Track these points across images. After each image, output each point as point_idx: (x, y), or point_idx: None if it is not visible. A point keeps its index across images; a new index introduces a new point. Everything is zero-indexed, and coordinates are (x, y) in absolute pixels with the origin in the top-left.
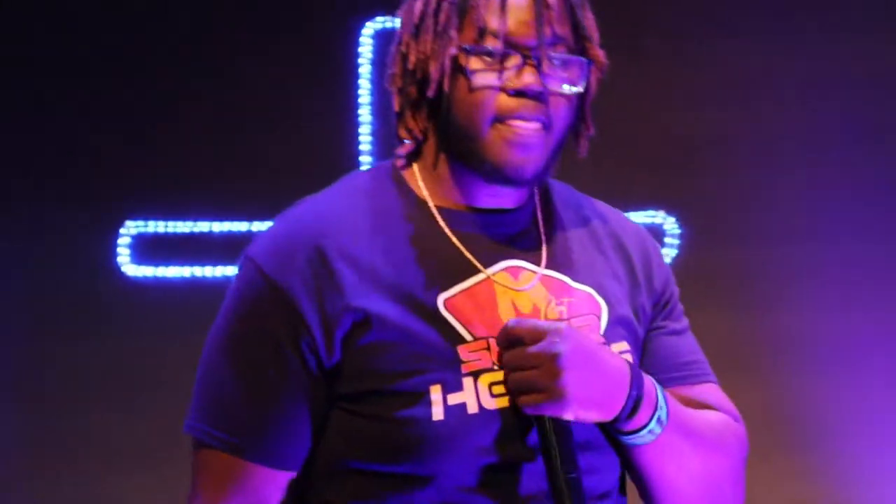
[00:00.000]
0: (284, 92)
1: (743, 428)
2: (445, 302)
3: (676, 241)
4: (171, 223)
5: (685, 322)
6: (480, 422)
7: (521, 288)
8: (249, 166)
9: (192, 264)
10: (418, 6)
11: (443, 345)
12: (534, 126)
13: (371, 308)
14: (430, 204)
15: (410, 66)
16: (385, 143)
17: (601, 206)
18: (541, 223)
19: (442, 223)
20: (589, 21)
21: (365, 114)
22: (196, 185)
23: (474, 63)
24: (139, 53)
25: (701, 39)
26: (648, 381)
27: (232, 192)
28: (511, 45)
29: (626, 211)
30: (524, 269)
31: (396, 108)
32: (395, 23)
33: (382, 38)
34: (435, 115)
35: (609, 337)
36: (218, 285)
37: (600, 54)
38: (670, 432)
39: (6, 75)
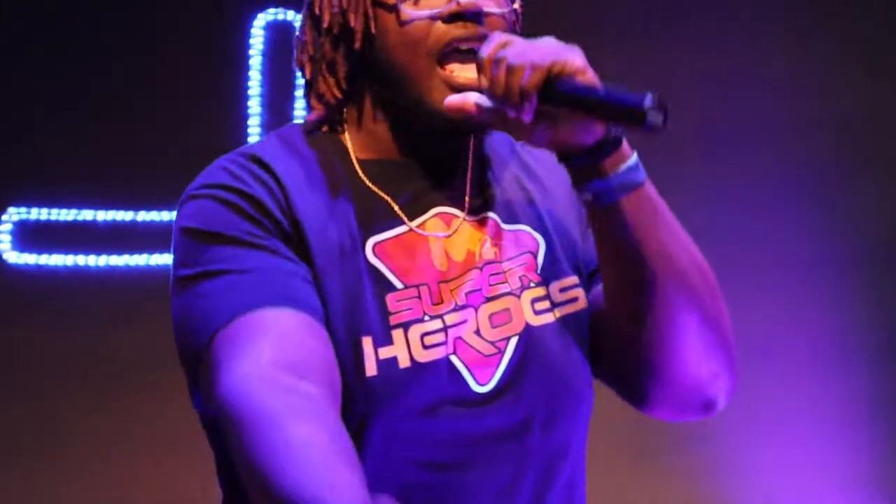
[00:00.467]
0: (174, 82)
1: None
2: (374, 247)
3: None
4: (54, 210)
5: None
6: (412, 375)
7: (450, 236)
8: (136, 156)
9: (75, 253)
10: None
11: (369, 293)
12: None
13: (310, 246)
14: (353, 158)
15: (325, 25)
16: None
17: (535, 150)
18: (469, 169)
19: (365, 176)
20: None
21: (254, 105)
22: (81, 174)
23: None
24: (26, 40)
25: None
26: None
27: (118, 181)
28: None
29: None
30: (456, 216)
31: (307, 76)
32: (287, 15)
33: (274, 29)
34: (361, 70)
35: (546, 273)
36: (101, 274)
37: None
38: (657, 196)
39: None
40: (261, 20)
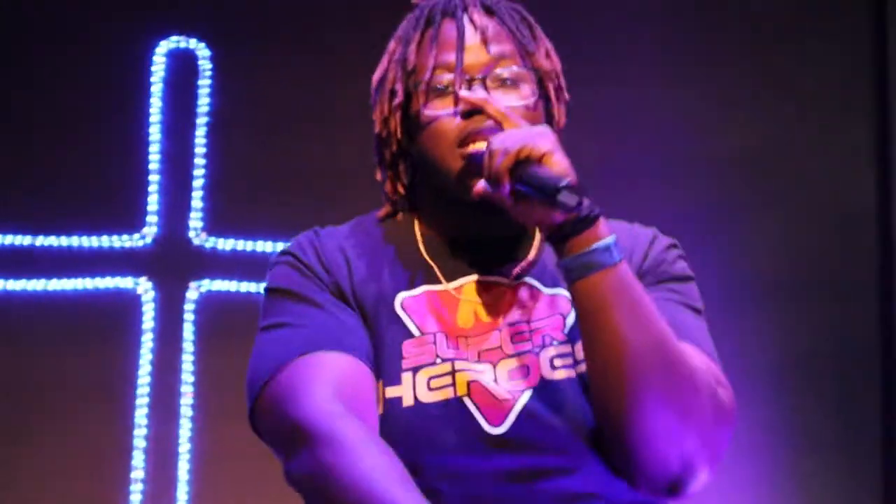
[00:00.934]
0: (75, 108)
1: (725, 390)
2: (403, 301)
3: None
4: None
5: (666, 294)
6: (414, 414)
7: (484, 300)
8: (37, 181)
9: None
10: (375, 77)
11: (391, 340)
12: None
13: (355, 299)
14: (417, 233)
15: (377, 131)
16: (174, 162)
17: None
18: (534, 246)
19: (421, 245)
20: (530, 36)
21: (155, 132)
22: None
23: (424, 100)
24: None
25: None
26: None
27: (16, 206)
28: (448, 73)
29: None
30: (497, 283)
31: (379, 177)
32: (189, 43)
33: (175, 57)
34: (413, 165)
35: (574, 333)
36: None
37: (544, 64)
38: (630, 277)
39: None
40: (163, 48)
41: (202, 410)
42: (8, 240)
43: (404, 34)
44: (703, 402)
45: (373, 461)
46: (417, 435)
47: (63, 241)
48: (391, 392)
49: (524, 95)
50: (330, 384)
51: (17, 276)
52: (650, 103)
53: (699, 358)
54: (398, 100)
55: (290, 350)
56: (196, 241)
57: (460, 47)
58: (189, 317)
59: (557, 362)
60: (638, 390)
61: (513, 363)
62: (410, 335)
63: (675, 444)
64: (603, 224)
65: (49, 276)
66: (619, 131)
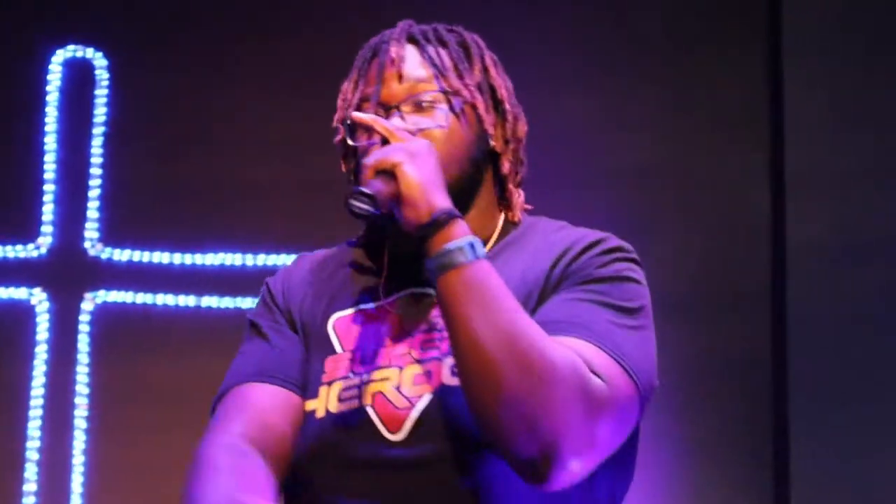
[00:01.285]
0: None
1: (595, 382)
2: (334, 321)
3: None
4: None
5: (581, 294)
6: (323, 424)
7: (410, 311)
8: None
9: None
10: None
11: (316, 358)
12: None
13: (297, 322)
14: (360, 256)
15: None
16: (70, 171)
17: (555, 234)
18: None
19: (372, 265)
20: (442, 54)
21: (51, 142)
22: None
23: (349, 133)
24: None
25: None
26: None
27: None
28: (376, 105)
29: None
30: (427, 294)
31: None
32: (87, 52)
33: (72, 66)
34: None
35: None
36: None
37: (459, 84)
38: (485, 275)
39: None
40: (59, 56)
41: (97, 423)
42: None
43: (350, 74)
44: (559, 392)
45: (205, 485)
46: (326, 442)
47: None
48: (309, 405)
49: (438, 117)
50: (239, 417)
51: None
52: (549, 112)
53: (569, 350)
54: (339, 136)
55: (227, 382)
56: (92, 252)
57: (379, 80)
58: (84, 328)
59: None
60: (488, 381)
61: (417, 369)
62: (333, 352)
63: (528, 433)
64: (458, 226)
65: None
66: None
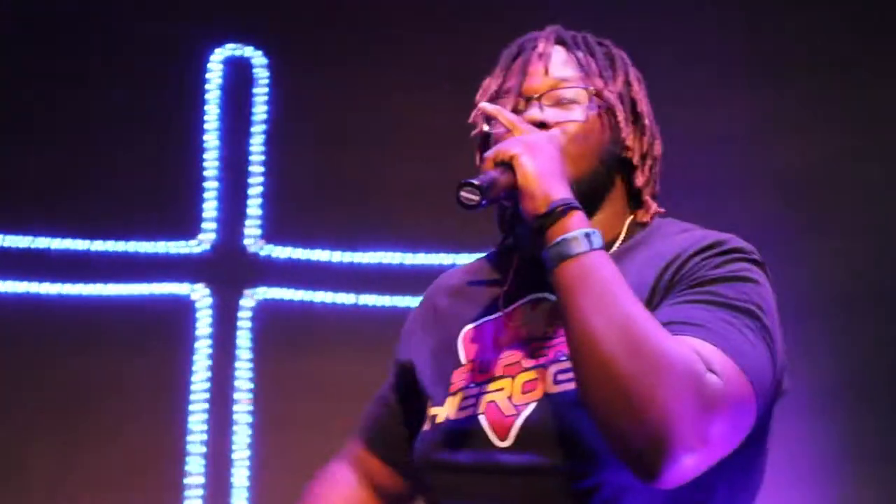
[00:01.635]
0: (132, 114)
1: (710, 378)
2: (464, 334)
3: None
4: (9, 237)
5: (696, 296)
6: (443, 430)
7: (528, 318)
8: (95, 186)
9: (28, 280)
10: None
11: (446, 369)
12: None
13: (418, 345)
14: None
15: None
16: (231, 169)
17: (677, 236)
18: None
19: (498, 274)
20: (589, 59)
21: (212, 139)
22: (37, 202)
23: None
24: None
25: None
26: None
27: (74, 210)
28: (514, 95)
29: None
30: (546, 300)
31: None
32: (245, 51)
33: (232, 64)
34: None
35: None
36: (54, 303)
37: (605, 88)
38: (600, 265)
39: None
40: (218, 55)
41: (258, 417)
42: (65, 244)
43: (494, 70)
44: (672, 383)
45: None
46: (441, 447)
47: (120, 246)
48: (434, 411)
49: (576, 113)
50: (353, 468)
51: (74, 281)
52: (715, 117)
53: (685, 346)
54: (478, 129)
55: (359, 426)
56: (252, 249)
57: (523, 73)
58: (244, 324)
59: (561, 377)
60: (600, 370)
61: (527, 377)
62: (460, 364)
63: (638, 423)
64: (575, 217)
65: (105, 281)
66: (688, 143)
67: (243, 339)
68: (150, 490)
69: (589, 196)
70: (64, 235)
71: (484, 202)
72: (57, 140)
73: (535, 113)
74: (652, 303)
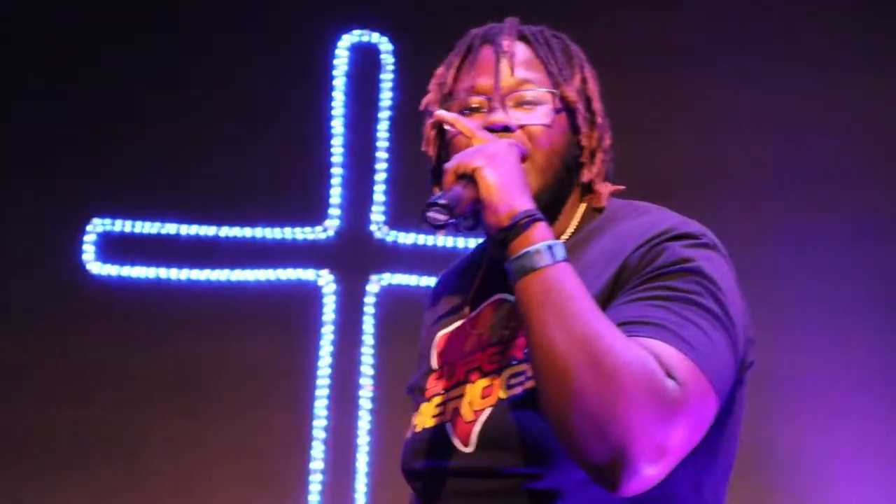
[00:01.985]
0: (259, 100)
1: (670, 386)
2: (438, 339)
3: None
4: (138, 223)
5: (651, 292)
6: (419, 439)
7: (490, 321)
8: (221, 173)
9: (157, 265)
10: (424, 99)
11: (424, 375)
12: None
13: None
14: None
15: (423, 149)
16: (357, 155)
17: (631, 221)
18: None
19: (468, 269)
20: (565, 63)
21: (338, 125)
22: (166, 187)
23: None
24: (117, 56)
25: (669, 76)
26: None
27: (202, 197)
28: (477, 94)
29: None
30: (507, 301)
31: None
32: (372, 37)
33: (358, 51)
34: None
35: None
36: (182, 288)
37: (568, 89)
38: (562, 279)
39: None
40: (345, 41)
41: (382, 403)
42: (193, 230)
43: (448, 60)
44: (631, 398)
45: None
46: (419, 456)
47: (247, 232)
48: (414, 420)
49: (540, 115)
50: None
51: (201, 266)
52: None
53: (645, 354)
54: (433, 121)
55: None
56: (378, 235)
57: (487, 71)
58: (370, 310)
59: (512, 380)
60: (560, 386)
61: (485, 382)
62: (432, 370)
63: (598, 438)
64: (538, 229)
65: (232, 267)
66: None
67: (368, 324)
68: (271, 474)
69: (550, 198)
70: (192, 222)
71: (452, 220)
72: (187, 129)
73: (499, 116)
74: (611, 299)
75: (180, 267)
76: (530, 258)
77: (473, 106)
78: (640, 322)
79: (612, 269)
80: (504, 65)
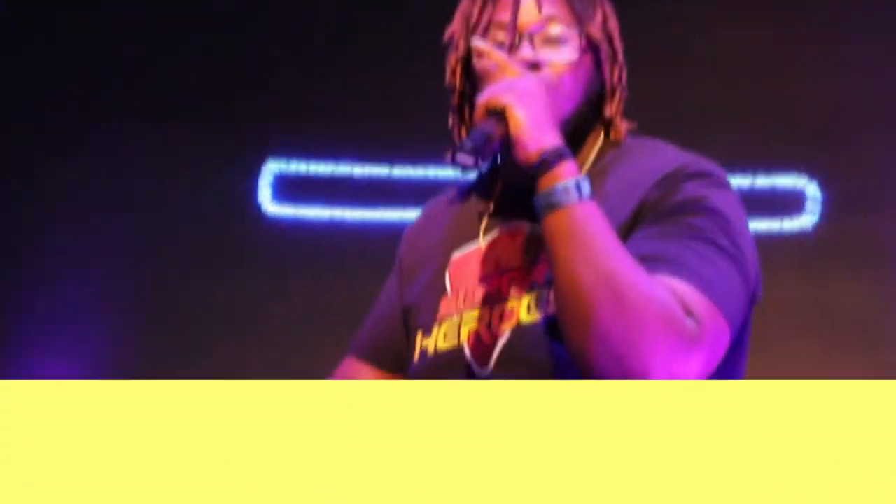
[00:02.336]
0: (432, 39)
1: (688, 324)
2: (452, 262)
3: (818, 207)
4: (312, 164)
5: (667, 227)
6: (434, 360)
7: (506, 248)
8: (396, 113)
9: (331, 206)
10: (447, 31)
11: (434, 297)
12: None
13: (412, 264)
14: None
15: (447, 82)
16: None
17: (647, 157)
18: None
19: (480, 199)
20: (588, 3)
21: None
22: (340, 128)
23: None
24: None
25: (843, 9)
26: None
27: (375, 136)
28: (503, 30)
29: (770, 174)
30: (521, 229)
31: (451, 124)
32: None
33: None
34: None
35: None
36: (355, 228)
37: (593, 28)
38: (589, 216)
39: (154, 24)
40: None
41: None
42: (367, 170)
43: None
44: (650, 333)
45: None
46: (432, 377)
47: (419, 171)
48: (423, 342)
49: (567, 53)
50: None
51: (375, 206)
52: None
53: (666, 291)
54: (460, 53)
55: (351, 345)
56: None
57: (515, 7)
58: None
59: (534, 306)
60: (583, 320)
61: (505, 306)
62: (446, 292)
63: (618, 371)
64: (566, 166)
65: (406, 206)
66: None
67: None
68: None
69: (573, 132)
70: (366, 161)
71: (481, 159)
72: (362, 69)
73: (527, 52)
74: (630, 234)
75: (355, 206)
76: (558, 195)
77: (499, 40)
78: (660, 258)
79: (631, 205)
80: (531, 1)
